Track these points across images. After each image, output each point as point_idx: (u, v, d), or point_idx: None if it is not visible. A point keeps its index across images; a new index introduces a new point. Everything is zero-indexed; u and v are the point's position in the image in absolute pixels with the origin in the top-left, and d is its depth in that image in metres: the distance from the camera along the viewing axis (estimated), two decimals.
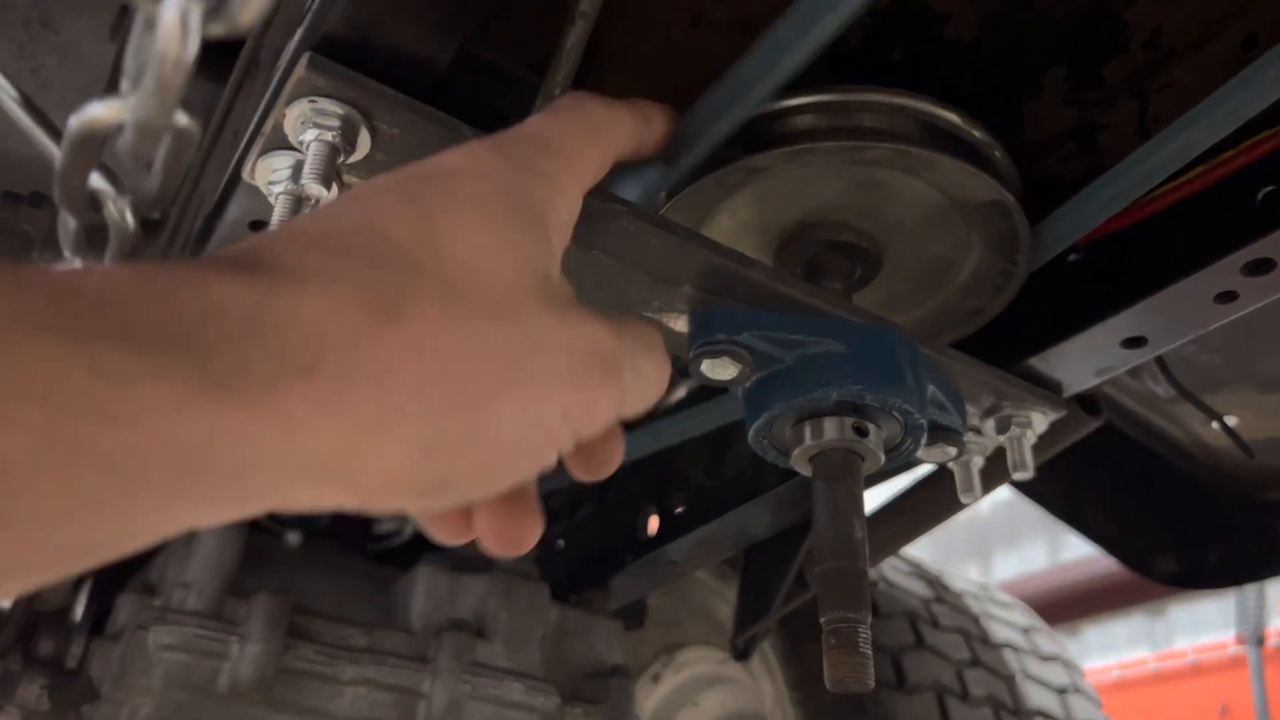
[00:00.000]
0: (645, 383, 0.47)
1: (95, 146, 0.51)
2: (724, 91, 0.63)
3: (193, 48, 0.42)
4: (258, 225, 0.65)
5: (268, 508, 0.35)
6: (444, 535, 0.47)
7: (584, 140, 0.51)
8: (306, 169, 0.54)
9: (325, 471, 0.34)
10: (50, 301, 0.30)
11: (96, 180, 0.59)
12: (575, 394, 0.41)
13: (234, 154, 0.61)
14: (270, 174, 0.57)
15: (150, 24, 0.44)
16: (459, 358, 0.37)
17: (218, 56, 0.75)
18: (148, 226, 0.65)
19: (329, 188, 0.54)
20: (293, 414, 0.33)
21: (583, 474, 0.50)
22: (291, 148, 0.56)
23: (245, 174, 0.59)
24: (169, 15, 0.41)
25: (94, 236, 0.64)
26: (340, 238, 0.38)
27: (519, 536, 0.47)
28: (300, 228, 0.39)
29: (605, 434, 0.48)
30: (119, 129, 0.47)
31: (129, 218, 0.61)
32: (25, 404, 0.28)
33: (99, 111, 0.47)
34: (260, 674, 0.91)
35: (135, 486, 0.30)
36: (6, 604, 1.05)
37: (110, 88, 0.80)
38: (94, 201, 0.61)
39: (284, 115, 0.55)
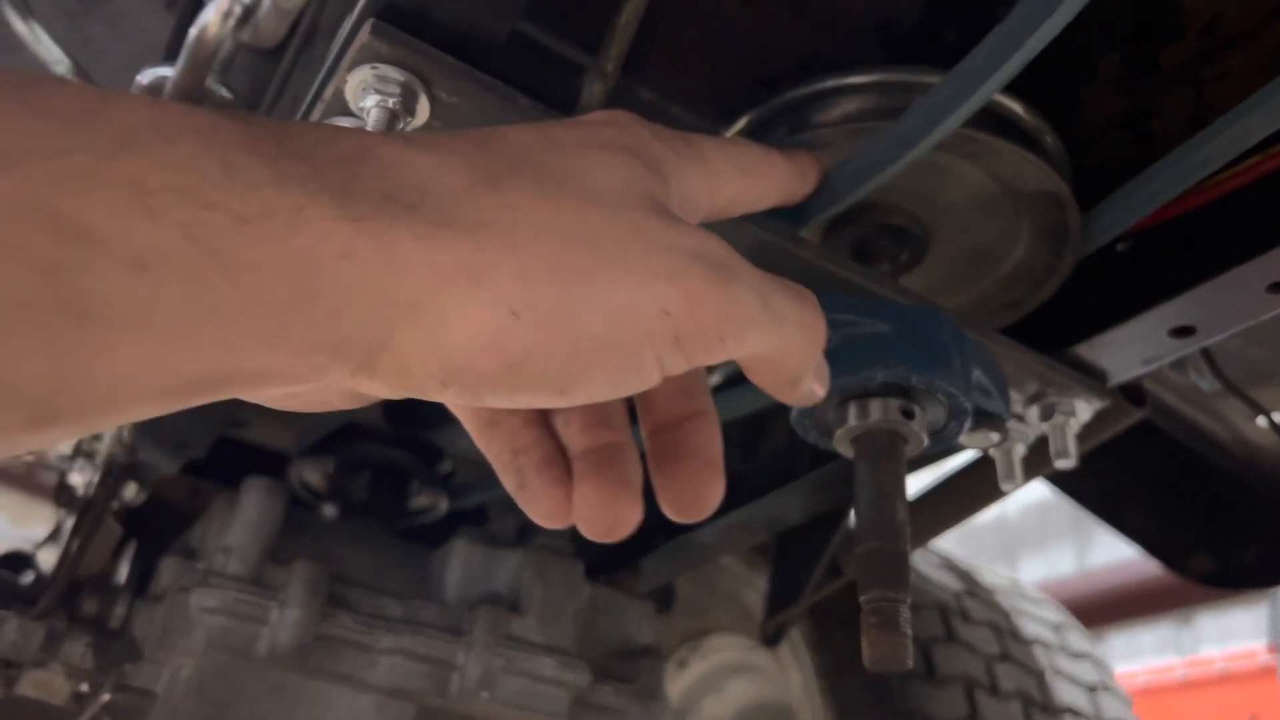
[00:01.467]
0: (782, 325, 0.42)
1: (217, 47, 0.52)
2: (878, 150, 0.61)
3: None
4: None
5: (358, 373, 0.35)
6: (540, 509, 0.46)
7: (729, 164, 0.50)
8: None
9: (414, 315, 0.34)
10: (186, 114, 0.31)
11: None
12: (676, 289, 0.38)
13: (295, 119, 0.62)
14: None
15: None
16: (555, 230, 0.37)
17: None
18: None
19: None
20: (395, 239, 0.33)
21: (673, 508, 0.47)
22: (352, 114, 0.57)
23: None
24: None
25: None
26: (458, 133, 0.40)
27: (614, 516, 0.46)
28: (444, 133, 0.41)
29: (703, 459, 0.47)
30: (240, 23, 0.49)
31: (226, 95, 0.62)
32: (174, 197, 0.29)
33: (214, 15, 0.49)
34: (298, 640, 0.92)
35: (250, 300, 0.31)
36: (48, 565, 1.06)
37: (169, 57, 0.81)
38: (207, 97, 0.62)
39: (345, 81, 0.56)
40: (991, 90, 0.55)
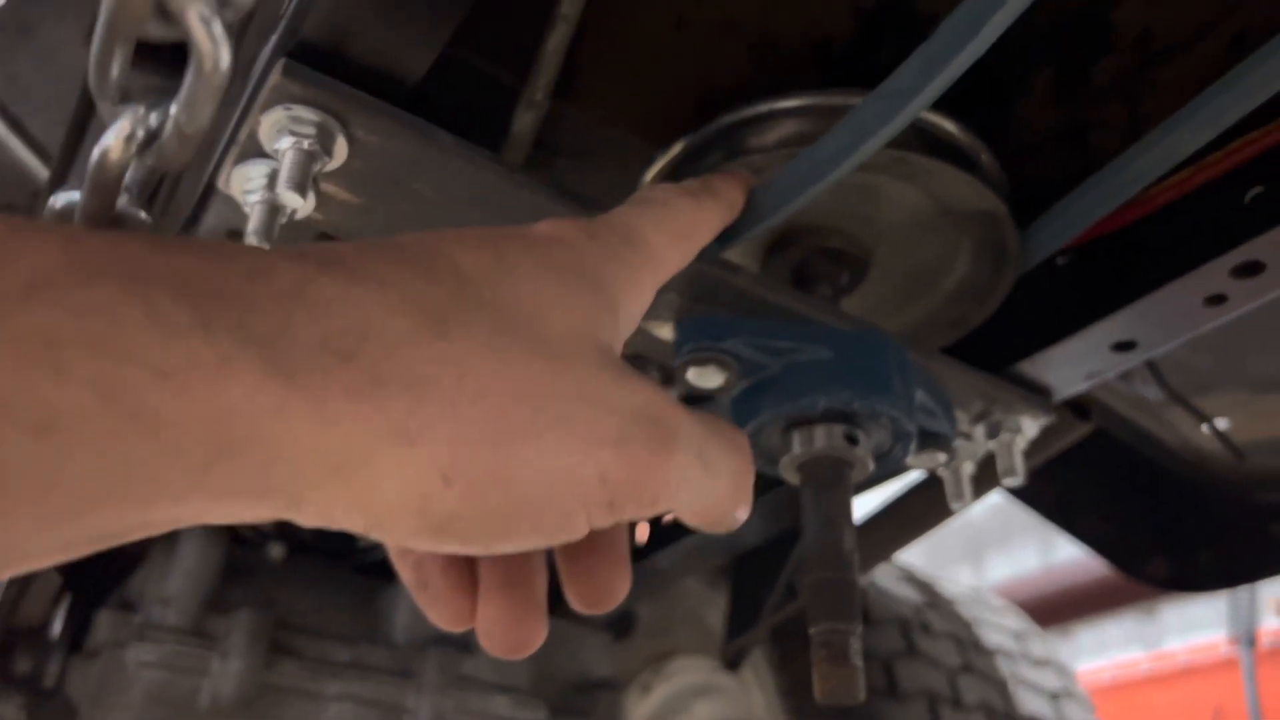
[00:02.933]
0: (715, 477, 0.42)
1: (121, 172, 0.50)
2: (800, 170, 0.60)
3: (226, 51, 0.43)
4: (235, 235, 0.63)
5: (276, 513, 0.33)
6: (440, 613, 0.44)
7: (669, 239, 0.49)
8: (282, 177, 0.53)
9: (342, 473, 0.33)
10: (107, 248, 0.29)
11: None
12: (618, 457, 0.37)
13: (210, 163, 0.60)
14: (246, 183, 0.56)
15: (122, 35, 0.44)
16: (499, 387, 0.35)
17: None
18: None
19: (304, 196, 0.53)
20: (326, 395, 0.31)
21: (580, 603, 0.45)
22: (267, 156, 0.55)
23: (220, 183, 0.58)
24: (197, 27, 0.42)
25: None
26: (404, 252, 0.37)
27: (520, 636, 0.43)
28: (365, 240, 0.38)
29: (611, 557, 0.45)
30: (144, 144, 0.47)
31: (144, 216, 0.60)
32: (85, 351, 0.27)
33: (115, 139, 0.47)
34: (242, 691, 0.89)
35: (168, 457, 0.28)
36: None
37: (85, 96, 0.78)
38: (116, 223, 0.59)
39: (259, 123, 0.54)
40: (915, 110, 0.55)
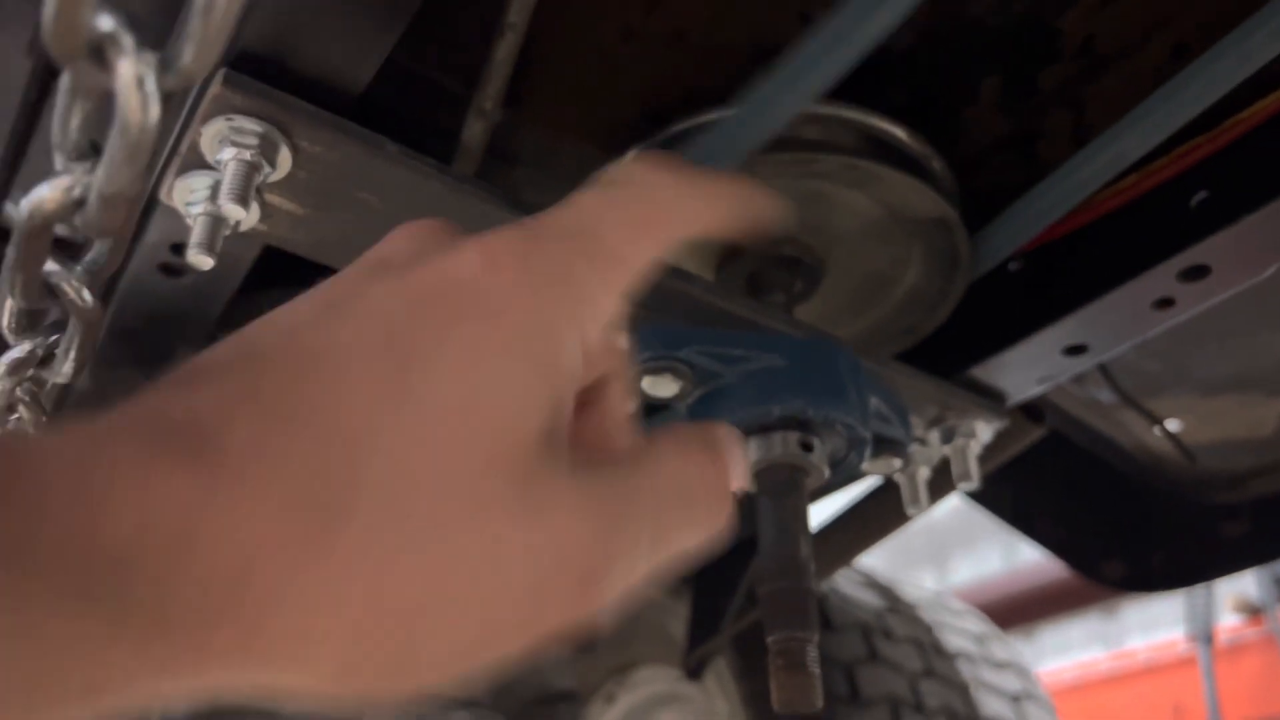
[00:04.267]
0: (693, 533, 0.37)
1: (50, 231, 0.48)
2: (715, 137, 0.60)
3: (155, 111, 0.39)
4: (178, 248, 0.62)
5: None
6: None
7: (636, 235, 0.39)
8: (224, 189, 0.52)
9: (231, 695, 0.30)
10: None
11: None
12: (534, 609, 0.33)
13: (151, 175, 0.59)
14: (188, 194, 0.55)
15: (82, 90, 0.42)
16: (396, 571, 0.31)
17: None
18: (66, 246, 0.62)
19: (247, 207, 0.52)
20: (210, 656, 0.28)
21: None
22: (210, 167, 0.54)
23: (163, 195, 0.57)
24: (126, 82, 0.38)
25: (35, 313, 0.59)
26: (295, 402, 0.31)
27: None
28: (257, 376, 0.32)
29: None
30: (75, 206, 0.45)
31: (87, 296, 0.56)
32: None
33: (51, 193, 0.44)
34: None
35: None
36: None
37: (24, 109, 0.77)
38: (46, 286, 0.56)
39: (200, 134, 0.53)
40: (813, 88, 0.56)
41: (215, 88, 0.51)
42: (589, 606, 0.34)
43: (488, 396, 0.33)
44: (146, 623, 0.26)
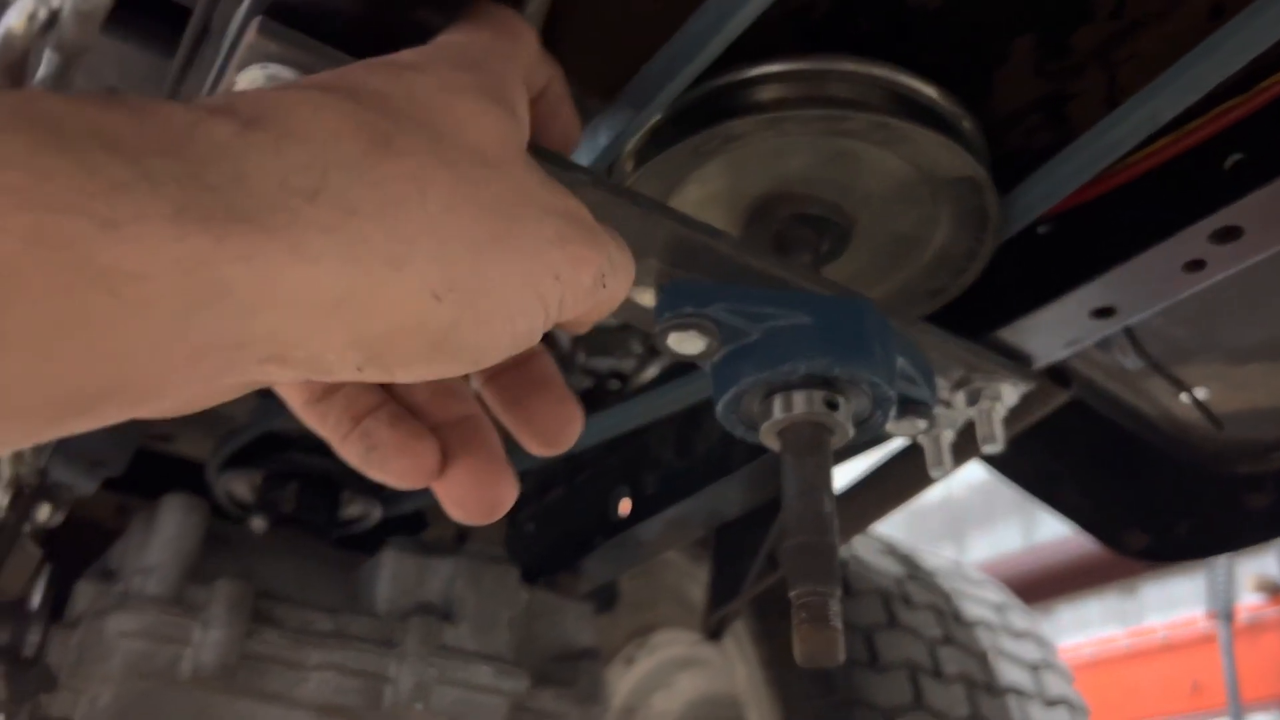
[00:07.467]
0: (617, 275, 0.45)
1: (24, 55, 0.49)
2: (681, 43, 0.61)
3: None
4: None
5: (258, 368, 0.32)
6: (395, 468, 0.44)
7: (510, 44, 0.47)
8: None
9: (334, 312, 0.32)
10: (22, 104, 0.26)
11: None
12: (562, 254, 0.39)
13: None
14: None
15: None
16: (460, 198, 0.35)
17: (168, 28, 0.73)
18: None
19: None
20: (301, 238, 0.30)
21: (539, 441, 0.47)
22: None
23: None
24: None
25: None
26: (321, 83, 0.37)
27: (493, 496, 0.44)
28: (266, 89, 0.39)
29: (554, 390, 0.46)
30: (50, 25, 0.46)
31: None
32: (6, 199, 0.24)
33: (17, 19, 0.45)
34: (223, 660, 0.89)
35: (133, 310, 0.27)
36: None
37: None
38: None
39: (234, 83, 0.54)
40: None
41: (250, 35, 0.52)
42: (597, 264, 0.41)
43: (477, 106, 0.39)
44: (222, 197, 0.29)
